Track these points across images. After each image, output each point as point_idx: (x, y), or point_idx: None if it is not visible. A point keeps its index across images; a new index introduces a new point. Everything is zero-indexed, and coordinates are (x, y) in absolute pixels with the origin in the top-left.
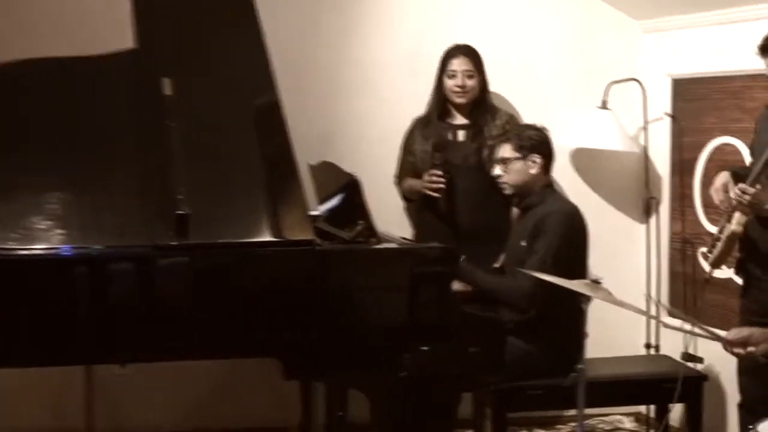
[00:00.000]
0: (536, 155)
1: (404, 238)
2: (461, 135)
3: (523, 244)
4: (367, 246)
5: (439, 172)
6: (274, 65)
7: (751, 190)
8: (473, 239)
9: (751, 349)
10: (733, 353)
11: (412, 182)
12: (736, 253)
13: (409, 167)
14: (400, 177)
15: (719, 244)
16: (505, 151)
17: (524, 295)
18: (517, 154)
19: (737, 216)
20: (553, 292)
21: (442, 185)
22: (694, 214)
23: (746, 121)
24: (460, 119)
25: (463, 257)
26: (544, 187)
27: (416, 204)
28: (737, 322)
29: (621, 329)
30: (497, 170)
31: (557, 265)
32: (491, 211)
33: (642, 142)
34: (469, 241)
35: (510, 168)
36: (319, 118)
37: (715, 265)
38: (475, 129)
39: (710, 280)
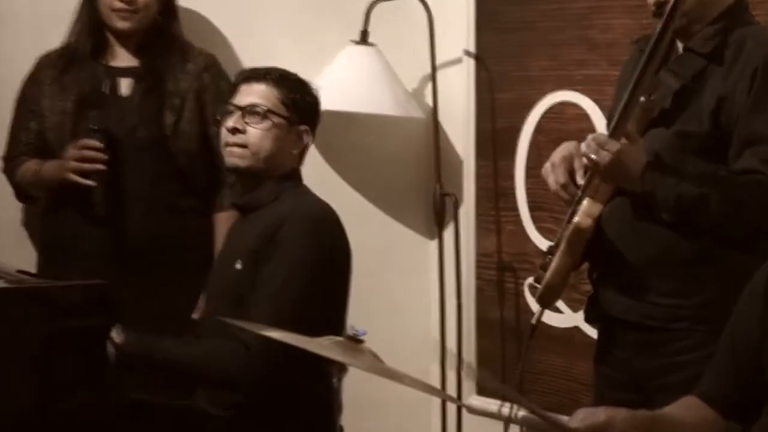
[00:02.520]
0: (305, 127)
1: (21, 272)
2: (125, 86)
3: (239, 267)
4: None
5: (97, 144)
6: None
7: (615, 143)
8: (153, 267)
9: None
10: None
11: (37, 167)
12: (586, 284)
13: (30, 141)
14: (11, 159)
15: (554, 261)
16: (265, 97)
17: (245, 364)
18: (284, 113)
19: (586, 204)
20: (289, 356)
21: (100, 166)
22: (517, 221)
23: (597, 64)
24: (125, 59)
25: (118, 330)
26: (285, 177)
27: (45, 206)
28: (587, 401)
29: (400, 417)
30: (231, 122)
31: (298, 310)
32: (177, 216)
33: (429, 101)
34: (146, 272)
35: (261, 129)
36: None
37: (547, 299)
38: (150, 77)
39: (538, 328)
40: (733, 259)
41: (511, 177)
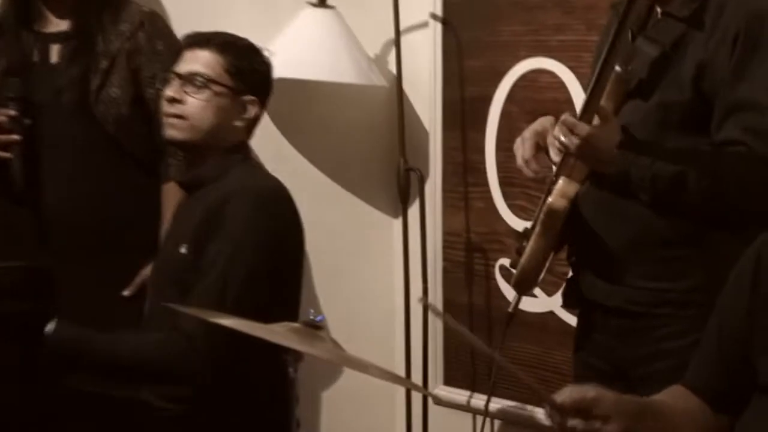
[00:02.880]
0: (252, 97)
1: None
2: (55, 53)
3: (183, 251)
4: None
5: (11, 113)
6: None
7: (584, 127)
8: (87, 249)
9: (597, 425)
10: (563, 429)
11: None
12: (561, 266)
13: None
14: None
15: (529, 244)
16: (208, 65)
17: (187, 357)
18: (228, 82)
19: (561, 183)
20: (238, 345)
21: (16, 137)
22: (488, 198)
23: (574, 29)
24: (57, 24)
25: (53, 324)
26: (231, 151)
27: None
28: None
29: (361, 409)
30: (170, 91)
31: (247, 294)
32: (113, 191)
33: (392, 68)
34: (76, 253)
35: (200, 99)
36: None
37: (523, 285)
38: (77, 39)
39: (516, 316)
40: (721, 240)
41: (480, 150)
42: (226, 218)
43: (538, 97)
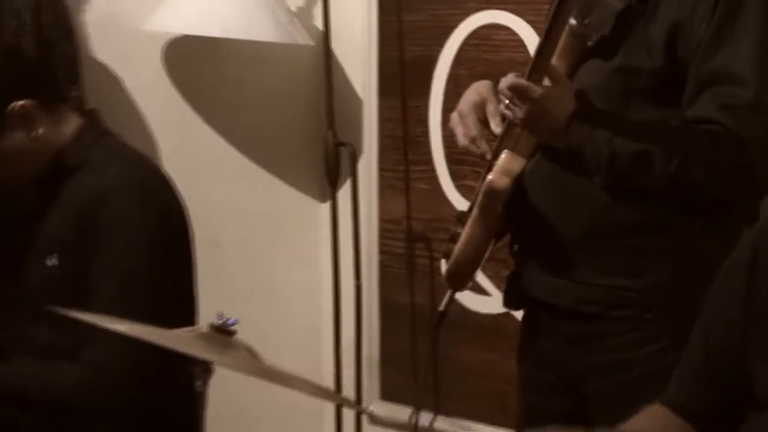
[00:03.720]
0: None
1: None
2: None
3: (53, 263)
4: None
5: None
6: None
7: (532, 90)
8: None
9: None
10: None
11: None
12: (502, 256)
13: None
14: None
15: (465, 230)
16: None
17: (93, 391)
18: None
19: (503, 158)
20: (148, 363)
21: None
22: (433, 178)
23: None
24: None
25: None
26: (84, 130)
27: None
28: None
29: (283, 429)
30: None
31: (153, 303)
32: None
33: (318, 23)
34: None
35: None
36: None
37: (457, 278)
38: None
39: (453, 315)
40: (693, 230)
41: (423, 122)
42: (107, 222)
43: (491, 58)
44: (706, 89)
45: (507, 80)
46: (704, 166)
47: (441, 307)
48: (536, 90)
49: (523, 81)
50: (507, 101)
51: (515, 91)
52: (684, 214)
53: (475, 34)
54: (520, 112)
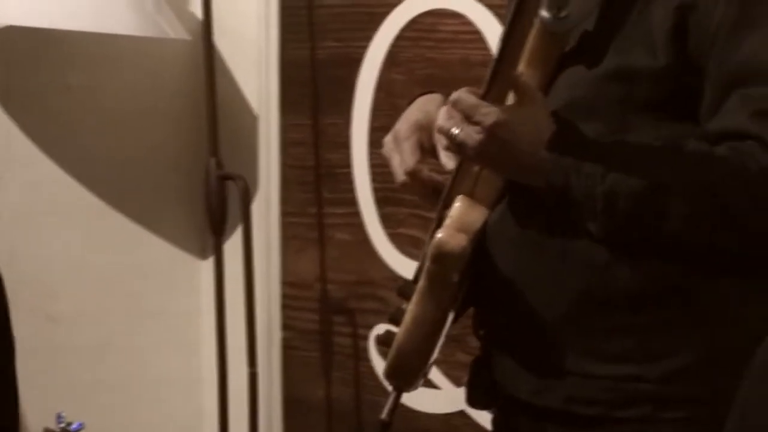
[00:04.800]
0: None
1: None
2: None
3: None
4: None
5: None
6: None
7: (489, 112)
8: None
9: None
10: None
11: None
12: (456, 332)
13: None
14: None
15: (409, 307)
16: None
17: None
18: None
19: (457, 208)
20: None
21: None
22: (357, 225)
23: None
24: None
25: None
26: None
27: None
28: None
29: None
30: None
31: None
32: None
33: (197, 11)
34: None
35: None
36: None
37: (401, 374)
38: None
39: (391, 425)
40: (724, 296)
41: (344, 146)
42: None
43: (437, 57)
44: (733, 90)
45: (453, 95)
46: (742, 201)
47: (383, 415)
48: (489, 112)
49: (469, 97)
50: (453, 129)
51: (460, 110)
52: (711, 275)
53: (414, 24)
54: (470, 144)
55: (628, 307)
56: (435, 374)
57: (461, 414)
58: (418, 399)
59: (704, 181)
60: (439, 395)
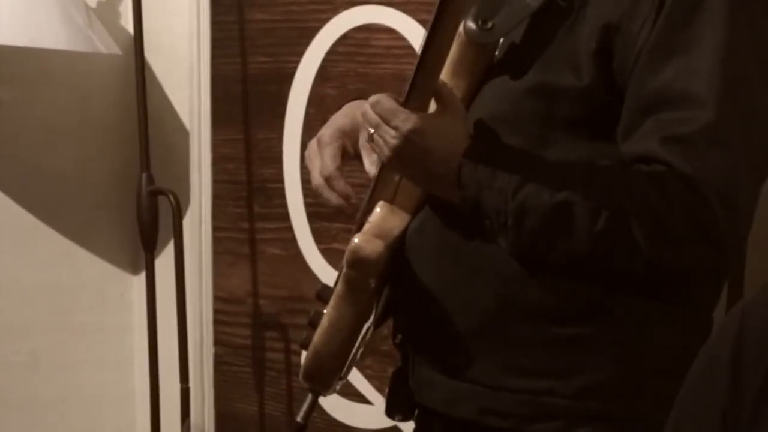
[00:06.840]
0: None
1: None
2: None
3: None
4: None
5: None
6: None
7: (406, 118)
8: None
9: None
10: None
11: None
12: (389, 348)
13: None
14: None
15: (327, 312)
16: None
17: None
18: None
19: (377, 214)
20: None
21: None
22: (289, 239)
23: None
24: None
25: None
26: None
27: None
28: None
29: None
30: None
31: None
32: None
33: (129, 27)
34: None
35: None
36: None
37: (317, 377)
38: None
39: (308, 429)
40: (641, 313)
41: (275, 161)
42: None
43: (370, 72)
44: (649, 115)
45: (371, 99)
46: (643, 223)
47: (299, 417)
48: (407, 118)
49: (388, 102)
50: (371, 131)
51: (379, 111)
52: (627, 292)
53: (346, 39)
54: (385, 149)
55: (541, 320)
56: (367, 389)
57: (394, 429)
58: (350, 414)
59: (609, 199)
60: (372, 411)
